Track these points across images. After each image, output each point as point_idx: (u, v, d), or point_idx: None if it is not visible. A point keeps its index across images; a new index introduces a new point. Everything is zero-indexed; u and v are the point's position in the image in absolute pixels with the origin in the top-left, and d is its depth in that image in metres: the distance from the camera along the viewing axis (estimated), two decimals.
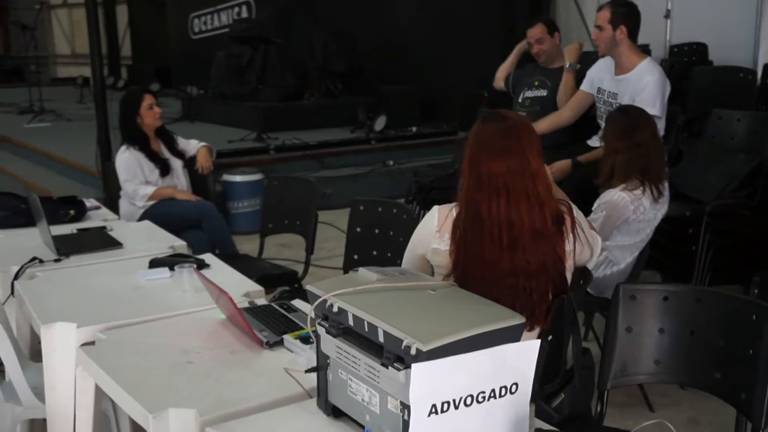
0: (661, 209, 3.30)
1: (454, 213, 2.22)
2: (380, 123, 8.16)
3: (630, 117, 3.33)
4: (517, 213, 2.12)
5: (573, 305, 2.21)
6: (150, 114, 4.41)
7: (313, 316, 1.75)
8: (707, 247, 3.68)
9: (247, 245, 4.81)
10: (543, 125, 4.16)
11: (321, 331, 1.74)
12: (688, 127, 4.90)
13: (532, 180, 2.14)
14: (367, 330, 1.60)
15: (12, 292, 2.86)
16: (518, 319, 1.59)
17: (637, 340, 2.30)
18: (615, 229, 3.25)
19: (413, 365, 1.45)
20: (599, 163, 3.43)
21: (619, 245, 3.29)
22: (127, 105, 4.46)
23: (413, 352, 1.47)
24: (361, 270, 1.83)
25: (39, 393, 2.53)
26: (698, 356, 2.24)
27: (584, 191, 3.45)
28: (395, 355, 1.53)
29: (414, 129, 8.37)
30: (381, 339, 1.56)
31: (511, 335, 1.58)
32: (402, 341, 1.50)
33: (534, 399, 2.20)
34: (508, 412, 1.59)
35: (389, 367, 1.54)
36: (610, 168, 3.27)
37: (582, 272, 2.45)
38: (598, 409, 2.33)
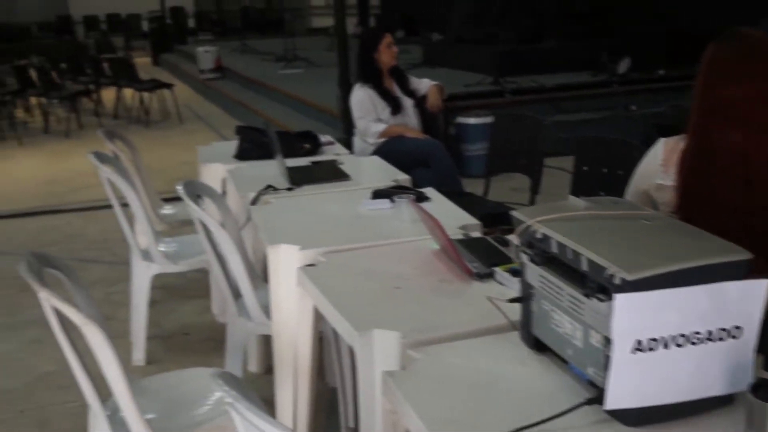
0: None
1: (681, 145, 2.03)
2: (624, 65, 7.74)
3: None
4: (755, 144, 1.89)
5: None
6: (388, 52, 4.52)
7: (517, 243, 1.69)
8: None
9: (479, 189, 4.77)
10: None
11: (525, 259, 1.68)
12: None
13: None
14: (570, 257, 1.51)
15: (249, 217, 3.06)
16: (743, 254, 1.42)
17: None
18: None
19: (616, 296, 1.35)
20: None
21: None
22: (368, 41, 4.60)
23: (617, 281, 1.37)
24: (571, 198, 1.73)
25: (269, 312, 2.69)
26: None
27: None
28: (598, 285, 1.43)
29: (661, 72, 7.84)
30: (585, 267, 1.47)
31: (733, 272, 1.41)
32: (605, 269, 1.39)
33: (763, 349, 2.00)
34: (728, 358, 1.43)
35: (592, 298, 1.45)
36: None
37: None
38: None
